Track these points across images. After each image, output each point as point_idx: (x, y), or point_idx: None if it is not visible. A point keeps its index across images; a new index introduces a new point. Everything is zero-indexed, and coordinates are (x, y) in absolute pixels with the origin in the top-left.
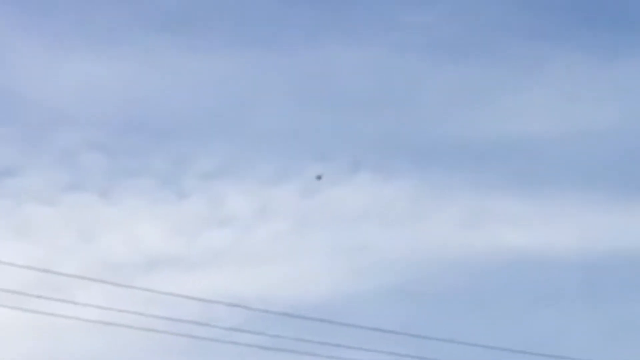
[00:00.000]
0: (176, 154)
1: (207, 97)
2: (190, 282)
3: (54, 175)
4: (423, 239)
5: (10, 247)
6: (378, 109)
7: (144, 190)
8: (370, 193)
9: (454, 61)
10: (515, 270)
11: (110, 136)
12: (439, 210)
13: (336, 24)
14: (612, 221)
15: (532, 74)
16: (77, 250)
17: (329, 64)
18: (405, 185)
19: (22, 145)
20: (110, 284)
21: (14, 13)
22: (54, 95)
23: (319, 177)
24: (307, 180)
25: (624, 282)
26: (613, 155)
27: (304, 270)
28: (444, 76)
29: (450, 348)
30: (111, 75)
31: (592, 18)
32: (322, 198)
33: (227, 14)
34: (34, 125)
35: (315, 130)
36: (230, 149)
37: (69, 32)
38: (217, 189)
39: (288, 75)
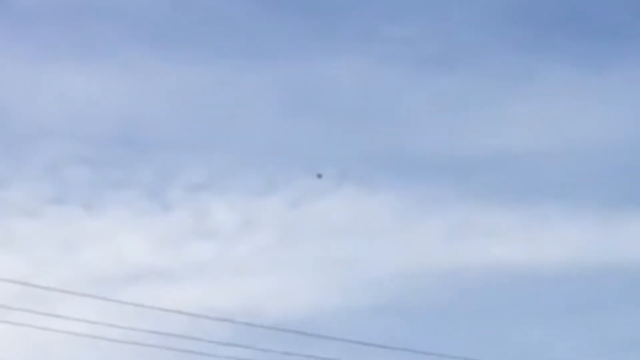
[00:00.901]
0: (161, 166)
1: (193, 109)
2: (176, 295)
3: (38, 188)
4: (409, 252)
5: None
6: (364, 122)
7: (128, 202)
8: (356, 206)
9: (439, 74)
10: (500, 283)
11: (94, 149)
12: (425, 223)
13: (322, 37)
14: (598, 235)
15: (517, 87)
16: (62, 263)
17: (315, 77)
18: (391, 198)
19: (6, 158)
20: (94, 297)
21: None
22: (38, 108)
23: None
24: (293, 192)
25: (609, 296)
26: (599, 169)
27: (290, 283)
28: (429, 89)
29: None
30: (96, 88)
31: (578, 30)
32: (308, 211)
33: (213, 26)
34: (18, 138)
35: (301, 143)
36: (216, 161)
37: (53, 45)
38: (202, 201)
39: (274, 88)
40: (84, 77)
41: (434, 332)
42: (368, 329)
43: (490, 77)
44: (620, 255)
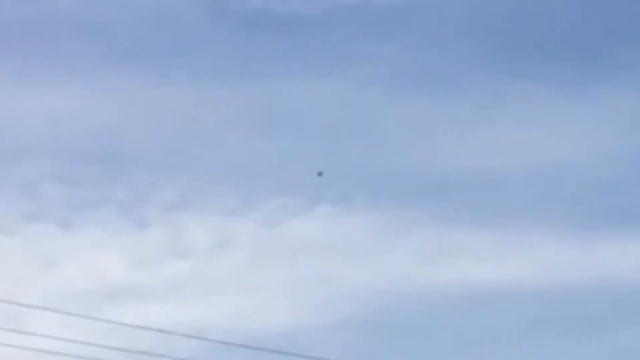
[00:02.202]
0: (137, 185)
1: (169, 128)
2: (150, 313)
3: (14, 206)
4: (384, 271)
5: None
6: (340, 142)
7: (104, 220)
8: (331, 225)
9: (417, 94)
10: (474, 303)
11: (71, 167)
12: (400, 243)
13: (299, 56)
14: (575, 254)
15: (494, 108)
16: (37, 280)
17: (292, 96)
18: (367, 218)
19: None
20: (69, 314)
21: None
22: (14, 127)
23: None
24: (268, 212)
25: (586, 315)
26: (576, 188)
27: (264, 302)
28: (406, 109)
29: None
30: (72, 106)
31: (552, 54)
32: (282, 230)
33: (189, 46)
34: None
35: (276, 162)
36: (191, 180)
37: (30, 64)
38: (177, 220)
39: (250, 108)
40: (61, 96)
41: (408, 352)
42: (341, 347)
43: (468, 98)
44: (595, 275)
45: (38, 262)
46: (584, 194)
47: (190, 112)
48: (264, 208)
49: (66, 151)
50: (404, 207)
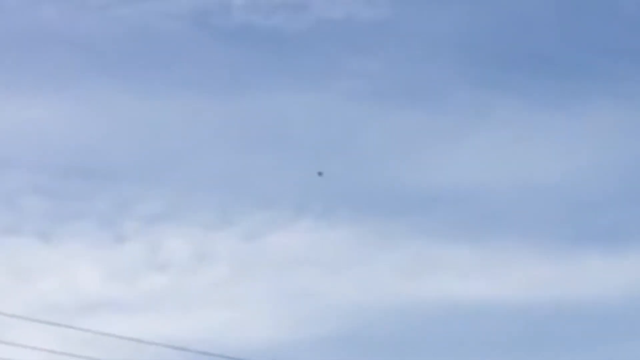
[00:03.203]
0: (117, 198)
1: (150, 141)
2: (129, 326)
3: None
4: (366, 286)
5: None
6: (322, 156)
7: (84, 233)
8: (312, 239)
9: (399, 109)
10: (455, 319)
11: (50, 179)
12: (383, 257)
13: (283, 71)
14: (556, 272)
15: (477, 123)
16: (15, 292)
17: (275, 110)
18: (349, 232)
19: None
20: (48, 323)
21: None
22: None
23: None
24: (249, 225)
25: (567, 333)
26: (557, 205)
27: (244, 316)
28: (389, 124)
29: None
30: (52, 118)
31: (535, 69)
32: (263, 244)
33: (172, 58)
34: None
35: (258, 176)
36: (171, 193)
37: (10, 75)
38: (157, 233)
39: (231, 121)
40: (41, 107)
41: None
42: None
43: (448, 113)
44: (576, 293)
45: (16, 274)
46: (566, 211)
47: (172, 125)
48: (245, 221)
49: (47, 163)
50: (387, 222)
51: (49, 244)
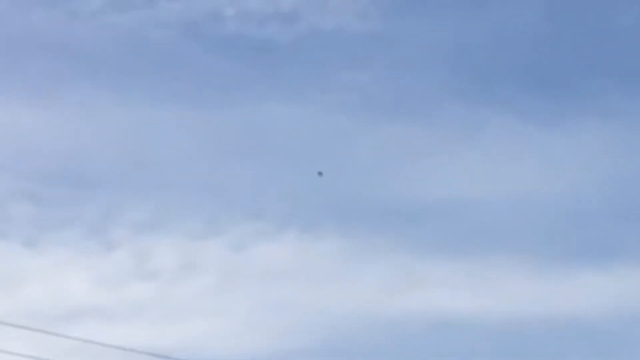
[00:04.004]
0: (105, 206)
1: (138, 149)
2: (115, 334)
3: None
4: (349, 299)
5: None
6: (309, 168)
7: (71, 240)
8: (298, 251)
9: (388, 122)
10: (442, 334)
11: (38, 186)
12: (366, 271)
13: (272, 81)
14: (544, 288)
15: (466, 137)
16: (1, 298)
17: (264, 121)
18: (334, 245)
19: None
20: (33, 330)
21: None
22: None
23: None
24: (236, 236)
25: (555, 349)
26: (546, 221)
27: (229, 326)
28: (378, 137)
29: None
30: (40, 124)
31: (525, 85)
32: (250, 255)
33: (160, 67)
34: None
35: (247, 186)
36: (159, 202)
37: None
38: (144, 241)
39: (220, 131)
40: (30, 114)
41: None
42: None
43: (437, 127)
44: (564, 308)
45: (2, 280)
46: (553, 226)
47: (160, 134)
48: (232, 232)
49: (35, 170)
50: (373, 235)
51: (35, 250)
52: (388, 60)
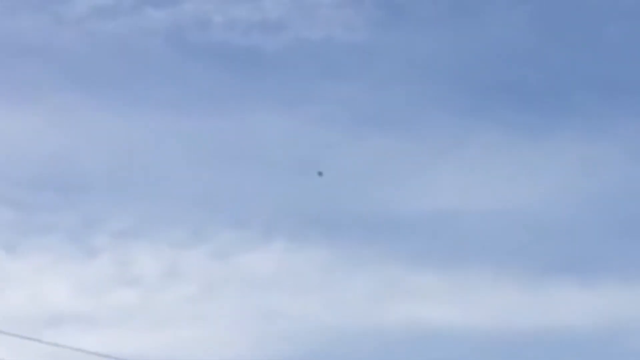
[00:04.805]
0: (87, 212)
1: (122, 156)
2: (97, 341)
3: None
4: (334, 309)
5: None
6: (295, 178)
7: (52, 246)
8: (282, 260)
9: (374, 133)
10: (424, 345)
11: (20, 192)
12: (352, 281)
13: (258, 90)
14: (526, 300)
15: (451, 150)
16: None
17: (249, 130)
18: (319, 255)
19: None
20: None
21: None
22: None
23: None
24: (220, 244)
25: None
26: (528, 234)
27: (212, 335)
28: (364, 148)
29: None
30: (23, 129)
31: (511, 99)
32: (234, 263)
33: (145, 73)
34: None
35: (230, 195)
36: (142, 208)
37: None
38: (127, 248)
39: (205, 139)
40: (12, 118)
41: None
42: None
43: (424, 140)
44: (545, 321)
45: None
46: (537, 239)
47: (144, 141)
48: (216, 240)
49: (17, 175)
50: (357, 246)
51: (15, 255)
52: (374, 71)
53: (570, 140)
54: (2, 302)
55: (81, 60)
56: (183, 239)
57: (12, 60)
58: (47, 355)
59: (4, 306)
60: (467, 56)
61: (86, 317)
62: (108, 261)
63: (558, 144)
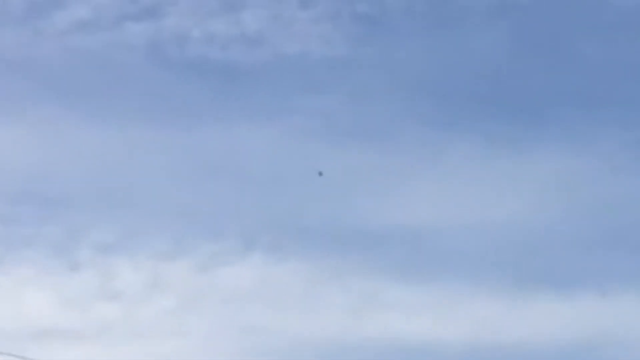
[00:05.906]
0: (69, 226)
1: (104, 170)
2: (80, 354)
3: None
4: (312, 322)
5: None
6: (275, 191)
7: (35, 260)
8: (262, 273)
9: (351, 146)
10: (403, 357)
11: (3, 205)
12: (330, 294)
13: (236, 104)
14: (500, 313)
15: (429, 163)
16: None
17: (228, 143)
18: (298, 268)
19: None
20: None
21: None
22: None
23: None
24: (201, 257)
25: None
26: (505, 248)
27: (192, 347)
28: (341, 161)
29: None
30: (5, 144)
31: (491, 110)
32: (214, 276)
33: (127, 87)
34: None
35: (211, 208)
36: (124, 222)
37: None
38: (109, 262)
39: (186, 152)
40: None
41: None
42: None
43: (401, 153)
44: (521, 334)
45: None
46: (514, 253)
47: (125, 155)
48: (196, 253)
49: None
50: (336, 259)
51: None
52: (352, 84)
53: (548, 153)
54: None
55: (61, 75)
56: (164, 251)
57: None
58: None
59: None
60: (444, 70)
61: (70, 330)
62: (90, 275)
63: (536, 157)
